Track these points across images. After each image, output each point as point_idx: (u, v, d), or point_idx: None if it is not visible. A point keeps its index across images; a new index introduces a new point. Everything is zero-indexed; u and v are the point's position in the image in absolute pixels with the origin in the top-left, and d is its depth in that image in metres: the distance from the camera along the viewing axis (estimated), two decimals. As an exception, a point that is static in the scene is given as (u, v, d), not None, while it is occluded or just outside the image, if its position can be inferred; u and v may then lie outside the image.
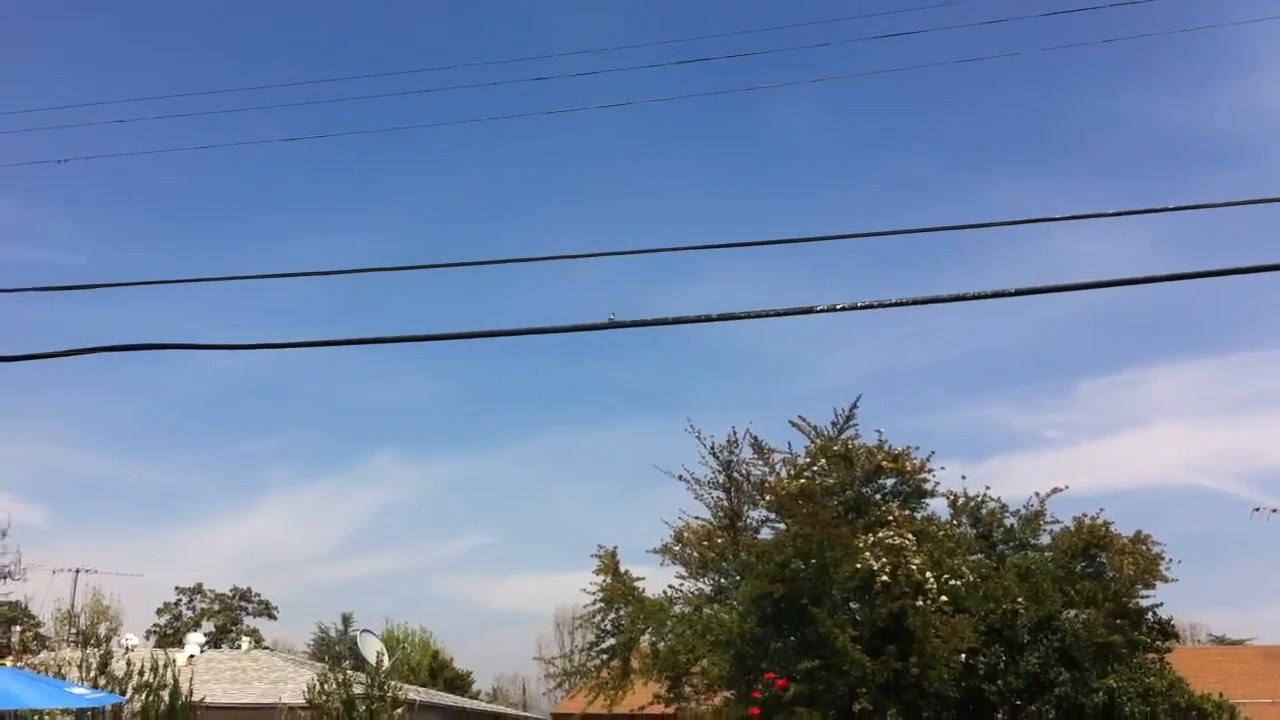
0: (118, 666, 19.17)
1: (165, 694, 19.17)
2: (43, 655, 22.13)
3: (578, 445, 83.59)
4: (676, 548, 17.08)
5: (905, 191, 64.47)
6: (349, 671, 19.68)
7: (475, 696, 50.53)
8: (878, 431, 16.51)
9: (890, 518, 15.17)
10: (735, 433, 17.29)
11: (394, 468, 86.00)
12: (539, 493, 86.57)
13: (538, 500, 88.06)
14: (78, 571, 35.28)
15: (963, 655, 14.09)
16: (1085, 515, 16.12)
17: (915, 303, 9.93)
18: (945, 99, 65.09)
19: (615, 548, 16.96)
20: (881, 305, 10.02)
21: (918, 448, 16.31)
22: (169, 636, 54.19)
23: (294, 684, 25.04)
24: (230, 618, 62.16)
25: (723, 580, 16.89)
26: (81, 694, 14.75)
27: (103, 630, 19.82)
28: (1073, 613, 15.50)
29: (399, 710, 18.80)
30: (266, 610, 64.04)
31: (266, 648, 43.95)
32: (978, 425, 67.36)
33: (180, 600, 62.36)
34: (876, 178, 72.64)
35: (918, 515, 16.14)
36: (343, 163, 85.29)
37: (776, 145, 73.49)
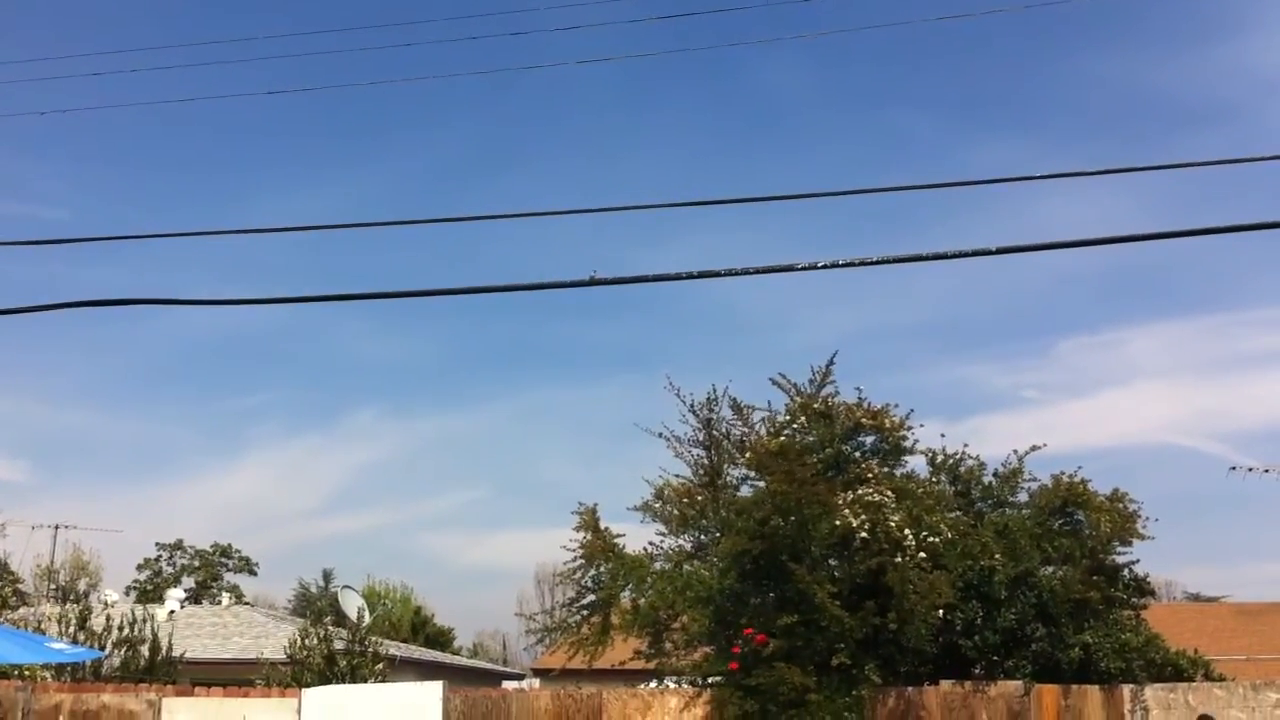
0: (97, 622, 19.18)
1: (145, 649, 19.21)
2: (22, 611, 22.15)
3: (559, 403, 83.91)
4: (657, 505, 17.08)
5: (890, 150, 64.38)
6: (330, 627, 19.74)
7: (456, 652, 50.75)
8: (857, 389, 16.51)
9: (869, 475, 15.19)
10: (715, 390, 17.27)
11: (376, 425, 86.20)
12: (520, 450, 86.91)
13: (519, 457, 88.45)
14: (57, 527, 35.04)
15: (940, 611, 14.17)
16: (1063, 473, 16.17)
17: (896, 261, 9.94)
18: (931, 57, 64.88)
19: (596, 505, 16.95)
20: (863, 263, 10.01)
21: (896, 405, 16.33)
22: (149, 592, 54.18)
23: (275, 639, 25.10)
24: (211, 573, 62.16)
25: (703, 537, 16.93)
26: (61, 649, 14.74)
27: (82, 585, 19.82)
28: (1049, 569, 15.58)
29: (379, 665, 18.88)
30: (247, 566, 64.07)
31: (247, 603, 43.98)
32: (957, 384, 67.83)
33: (160, 556, 62.30)
34: (861, 136, 72.53)
35: (897, 473, 16.17)
36: (326, 118, 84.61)
37: (761, 102, 73.22)
